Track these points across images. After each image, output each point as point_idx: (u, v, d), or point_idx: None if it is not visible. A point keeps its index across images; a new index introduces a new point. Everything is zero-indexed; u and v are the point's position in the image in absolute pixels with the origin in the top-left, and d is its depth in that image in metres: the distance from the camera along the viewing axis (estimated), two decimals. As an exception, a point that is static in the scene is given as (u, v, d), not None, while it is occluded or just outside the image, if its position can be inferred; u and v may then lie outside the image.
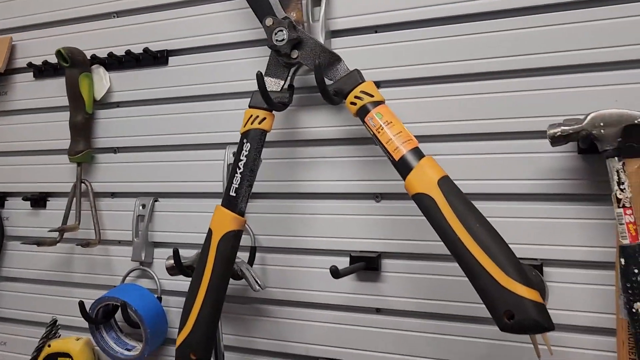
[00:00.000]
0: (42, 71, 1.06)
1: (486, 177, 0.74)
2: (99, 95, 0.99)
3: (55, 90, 1.05)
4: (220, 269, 0.74)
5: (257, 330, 0.88)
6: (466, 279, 0.59)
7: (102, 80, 0.99)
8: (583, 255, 0.70)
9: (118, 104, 1.00)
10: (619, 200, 0.61)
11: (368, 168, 0.81)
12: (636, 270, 0.59)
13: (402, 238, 0.79)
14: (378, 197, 0.81)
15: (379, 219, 0.81)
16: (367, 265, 0.79)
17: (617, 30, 0.68)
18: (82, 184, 1.00)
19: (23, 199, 1.06)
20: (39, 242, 0.96)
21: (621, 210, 0.61)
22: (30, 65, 1.06)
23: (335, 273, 0.70)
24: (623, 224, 0.61)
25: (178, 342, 0.74)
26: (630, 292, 0.60)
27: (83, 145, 0.99)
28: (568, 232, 0.70)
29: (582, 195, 0.70)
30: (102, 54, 0.99)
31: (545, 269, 0.72)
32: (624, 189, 0.61)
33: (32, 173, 1.08)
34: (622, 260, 0.60)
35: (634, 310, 0.60)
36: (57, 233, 0.97)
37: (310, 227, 0.85)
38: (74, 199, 1.00)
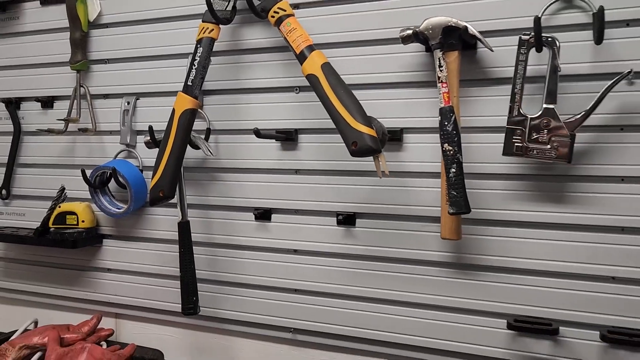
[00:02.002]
0: (47, -1, 1.35)
1: (365, 72, 1.05)
2: (92, 17, 1.29)
3: (57, 14, 1.33)
4: (180, 135, 1.06)
5: (211, 191, 1.20)
6: None
7: (94, 5, 1.28)
8: (430, 123, 1.01)
9: (107, 25, 1.29)
10: (439, 78, 0.92)
11: (289, 68, 1.11)
12: (446, 123, 0.91)
13: (313, 118, 1.10)
14: (297, 89, 1.12)
15: (297, 105, 1.12)
16: (286, 137, 1.11)
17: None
18: (81, 88, 1.31)
19: (35, 101, 1.37)
20: (50, 129, 1.28)
21: (440, 84, 0.92)
22: (37, -7, 1.35)
23: (257, 133, 1.02)
24: (441, 93, 0.92)
25: (151, 185, 1.06)
26: (442, 137, 0.91)
27: (81, 56, 1.28)
28: (419, 108, 1.02)
29: (429, 82, 1.01)
30: (94, -16, 1.28)
31: (405, 134, 1.03)
32: (442, 69, 0.92)
33: (42, 81, 1.37)
34: (440, 117, 0.92)
35: (444, 149, 0.91)
36: (64, 123, 1.28)
37: (248, 113, 1.16)
38: (75, 99, 1.31)
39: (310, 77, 0.94)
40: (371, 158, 0.92)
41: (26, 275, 1.43)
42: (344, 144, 1.04)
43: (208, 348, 1.25)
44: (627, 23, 0.89)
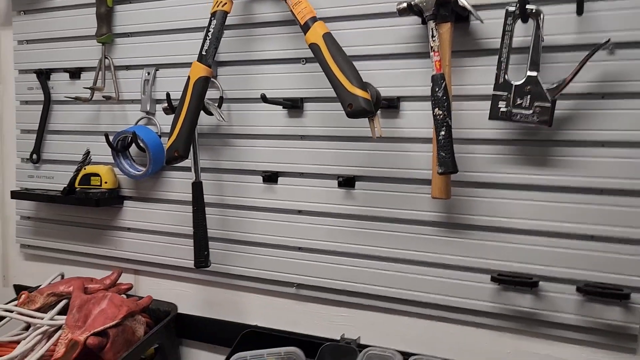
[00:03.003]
0: (76, -24, 1.45)
1: (364, 44, 1.12)
2: (116, -7, 1.39)
3: (84, -9, 1.44)
4: (195, 100, 1.15)
5: (223, 155, 1.29)
6: None
7: (118, -18, 1.38)
8: (425, 92, 1.07)
9: (130, 0, 1.39)
10: (432, 47, 0.99)
11: (296, 41, 1.19)
12: (437, 89, 0.98)
13: (317, 87, 1.18)
14: (304, 60, 1.20)
15: (303, 75, 1.20)
16: (292, 105, 1.19)
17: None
18: (106, 59, 1.41)
19: (64, 72, 1.48)
20: (78, 97, 1.39)
21: (432, 53, 0.99)
22: (66, -28, 1.45)
23: (264, 98, 1.10)
24: (433, 62, 0.99)
25: (167, 146, 1.15)
26: (433, 103, 0.99)
27: (106, 29, 1.38)
28: (415, 78, 1.09)
29: (425, 53, 1.07)
30: (119, -38, 1.38)
31: (401, 102, 1.11)
32: (435, 39, 0.99)
33: (70, 54, 1.48)
34: (431, 84, 0.99)
35: (434, 114, 0.99)
36: (90, 92, 1.39)
37: (258, 83, 1.24)
38: (100, 70, 1.41)
39: (313, 46, 1.02)
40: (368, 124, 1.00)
41: (53, 233, 1.55)
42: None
43: (218, 302, 1.35)
44: (607, -5, 0.94)
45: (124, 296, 1.35)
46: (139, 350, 1.21)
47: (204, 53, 1.16)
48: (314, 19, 1.04)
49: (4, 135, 1.65)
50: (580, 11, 0.91)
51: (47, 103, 1.51)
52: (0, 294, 1.69)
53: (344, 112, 1.11)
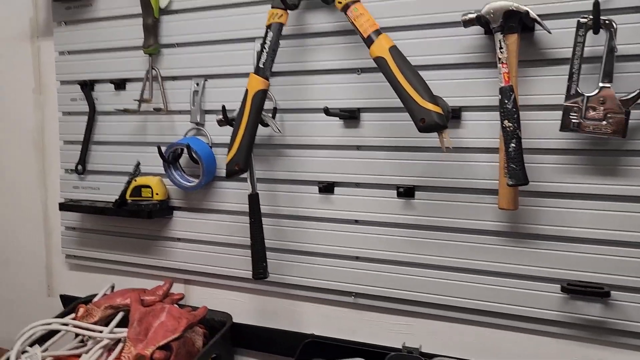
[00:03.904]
0: (120, -13, 1.44)
1: (428, 53, 1.12)
2: (163, 4, 1.38)
3: (129, 2, 1.42)
4: (254, 113, 1.15)
5: (277, 166, 1.29)
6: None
7: (165, -7, 1.38)
8: (487, 102, 1.08)
9: (177, 11, 1.38)
10: (499, 59, 0.99)
11: (352, 51, 1.19)
12: (506, 101, 0.98)
13: (374, 98, 1.18)
14: (359, 71, 1.20)
15: (359, 86, 1.20)
16: (349, 116, 1.19)
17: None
18: (153, 70, 1.41)
19: (109, 83, 1.48)
20: (127, 109, 1.39)
21: (500, 65, 0.99)
22: (111, -17, 1.45)
23: (326, 111, 1.10)
24: (501, 73, 0.99)
25: (227, 160, 1.15)
26: (502, 114, 0.98)
27: (153, 40, 1.38)
28: (477, 88, 1.09)
29: (488, 62, 1.07)
30: (165, -27, 1.37)
31: (462, 112, 1.11)
32: (503, 51, 0.98)
33: (114, 64, 1.48)
34: (500, 96, 0.99)
35: (503, 126, 0.99)
36: (138, 103, 1.39)
37: (312, 94, 1.24)
38: (147, 81, 1.41)
39: (379, 60, 1.02)
40: (433, 135, 1.00)
41: (100, 243, 1.55)
42: (403, 122, 1.13)
43: (273, 311, 1.36)
44: (681, 5, 0.94)
45: (177, 307, 1.36)
46: (200, 362, 1.22)
47: (261, 66, 1.16)
48: (378, 32, 1.04)
49: (46, 146, 1.65)
50: (655, 21, 0.91)
51: (92, 114, 1.51)
52: (45, 303, 1.70)
53: (401, 122, 1.13)
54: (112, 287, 1.46)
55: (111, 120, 1.50)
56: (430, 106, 0.95)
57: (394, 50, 1.01)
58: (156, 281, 1.45)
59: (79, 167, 1.54)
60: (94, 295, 1.46)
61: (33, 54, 1.63)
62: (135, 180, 1.39)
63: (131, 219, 1.46)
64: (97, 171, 1.54)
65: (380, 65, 1.02)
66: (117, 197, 1.39)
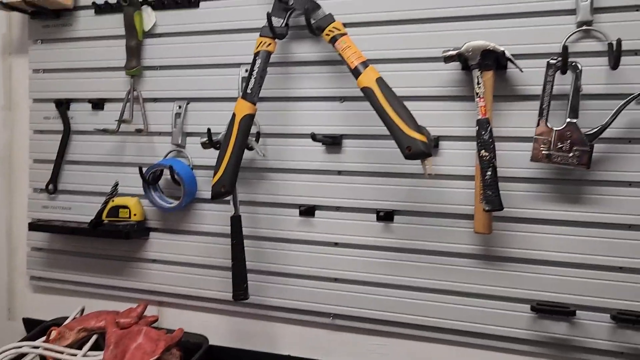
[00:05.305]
0: (102, 9, 1.45)
1: (410, 85, 1.19)
2: (147, 27, 1.40)
3: (110, 23, 1.44)
4: (241, 137, 1.18)
5: (259, 189, 1.32)
6: (396, 149, 1.03)
7: (150, 17, 1.39)
8: (465, 132, 1.16)
9: (160, 35, 1.41)
10: (477, 93, 1.07)
11: (335, 80, 1.25)
12: (483, 132, 1.06)
13: (356, 125, 1.24)
14: (342, 99, 1.25)
15: (341, 113, 1.25)
16: (332, 142, 1.24)
17: None
18: (134, 92, 1.41)
19: (87, 102, 1.47)
20: (106, 129, 1.38)
21: (477, 98, 1.07)
22: (93, 3, 1.45)
23: (313, 137, 1.15)
24: (478, 107, 1.07)
25: (213, 181, 1.17)
26: (479, 145, 1.06)
27: (135, 62, 1.39)
28: (454, 119, 1.16)
29: (464, 96, 1.15)
30: (151, -3, 1.40)
31: (441, 142, 1.18)
32: (480, 86, 1.07)
33: (93, 84, 1.47)
34: (477, 127, 1.07)
35: (480, 155, 1.06)
36: (117, 123, 1.39)
37: (296, 119, 1.28)
38: (128, 102, 1.41)
39: (366, 90, 1.08)
40: (411, 161, 1.07)
41: (70, 265, 1.51)
42: (384, 149, 1.19)
43: (250, 333, 1.37)
44: (636, 52, 1.05)
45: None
46: (178, 385, 1.21)
47: (249, 91, 1.19)
48: (365, 64, 1.10)
49: (13, 164, 1.61)
50: (616, 65, 1.01)
51: (67, 133, 1.50)
52: (5, 327, 1.64)
53: (382, 149, 1.19)
54: (82, 310, 1.43)
55: (87, 140, 1.48)
56: (415, 135, 1.01)
57: (381, 81, 1.08)
58: (128, 303, 1.43)
59: (50, 186, 1.51)
60: (62, 318, 1.42)
61: (4, 71, 1.61)
62: (113, 201, 1.38)
63: (105, 239, 1.44)
64: (69, 191, 1.51)
65: (368, 95, 1.08)
66: (92, 217, 1.38)
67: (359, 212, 1.25)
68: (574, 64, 1.04)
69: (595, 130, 1.03)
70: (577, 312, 1.09)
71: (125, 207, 1.38)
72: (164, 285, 1.43)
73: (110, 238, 1.40)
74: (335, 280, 1.27)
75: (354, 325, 1.27)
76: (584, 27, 1.06)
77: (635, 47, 1.05)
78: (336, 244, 1.27)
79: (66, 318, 1.41)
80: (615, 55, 1.01)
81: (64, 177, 1.51)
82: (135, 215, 1.38)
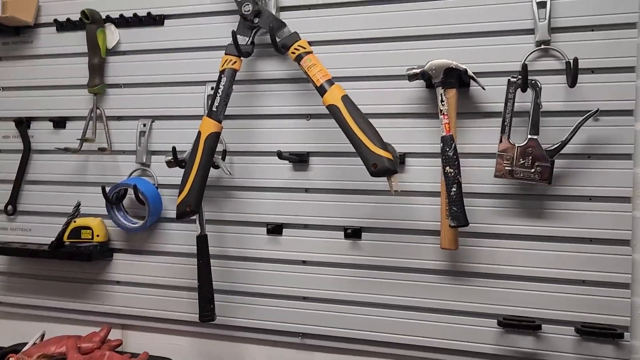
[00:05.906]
0: (64, 26, 1.42)
1: (375, 102, 1.20)
2: (110, 45, 1.38)
3: (72, 41, 1.42)
4: (206, 155, 1.16)
5: (226, 207, 1.31)
6: (363, 167, 1.03)
7: (113, 34, 1.38)
8: (429, 149, 1.17)
9: (124, 52, 1.39)
10: (441, 111, 1.08)
11: (301, 98, 1.25)
12: (447, 149, 1.07)
13: (323, 142, 1.24)
14: (308, 117, 1.26)
15: (309, 131, 1.25)
16: (299, 159, 1.24)
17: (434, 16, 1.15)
18: (97, 110, 1.39)
19: (48, 120, 1.43)
20: (67, 148, 1.35)
21: (441, 116, 1.08)
22: (55, 21, 1.42)
23: (279, 155, 1.14)
24: (442, 124, 1.08)
25: (178, 201, 1.15)
26: (444, 161, 1.07)
27: (98, 80, 1.37)
28: (419, 136, 1.18)
29: (428, 113, 1.17)
30: (114, 15, 1.37)
31: (407, 158, 1.19)
32: (444, 104, 1.08)
33: (54, 102, 1.44)
34: (442, 144, 1.08)
35: (445, 171, 1.07)
36: (80, 142, 1.36)
37: (263, 136, 1.28)
38: (90, 120, 1.39)
39: (332, 107, 1.08)
40: (378, 178, 1.07)
41: (29, 289, 1.47)
42: (350, 166, 1.19)
43: (219, 354, 1.34)
44: (592, 70, 1.08)
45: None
46: (143, 411, 1.17)
47: (214, 109, 1.18)
48: (330, 82, 1.10)
49: (-30, 184, 1.55)
50: (573, 83, 1.04)
51: (27, 152, 1.46)
52: (-41, 355, 1.56)
53: (348, 166, 1.19)
54: (42, 335, 1.38)
55: (48, 159, 1.45)
56: (381, 152, 1.01)
57: (346, 99, 1.08)
58: (90, 327, 1.38)
59: (9, 207, 1.46)
60: (21, 344, 1.37)
61: (-39, 88, 1.56)
62: (75, 222, 1.34)
63: (67, 261, 1.40)
64: (29, 212, 1.47)
65: (333, 112, 1.08)
66: (53, 239, 1.34)
67: (326, 229, 1.25)
68: (533, 81, 1.06)
69: (556, 146, 1.05)
70: (543, 325, 1.10)
71: (87, 228, 1.34)
72: (128, 308, 1.39)
73: (71, 260, 1.36)
74: (304, 298, 1.26)
75: (323, 345, 1.26)
76: (543, 46, 1.09)
77: (591, 66, 1.08)
78: (304, 262, 1.26)
79: (25, 344, 1.36)
80: (572, 73, 1.03)
81: (23, 198, 1.47)
82: (98, 236, 1.34)
